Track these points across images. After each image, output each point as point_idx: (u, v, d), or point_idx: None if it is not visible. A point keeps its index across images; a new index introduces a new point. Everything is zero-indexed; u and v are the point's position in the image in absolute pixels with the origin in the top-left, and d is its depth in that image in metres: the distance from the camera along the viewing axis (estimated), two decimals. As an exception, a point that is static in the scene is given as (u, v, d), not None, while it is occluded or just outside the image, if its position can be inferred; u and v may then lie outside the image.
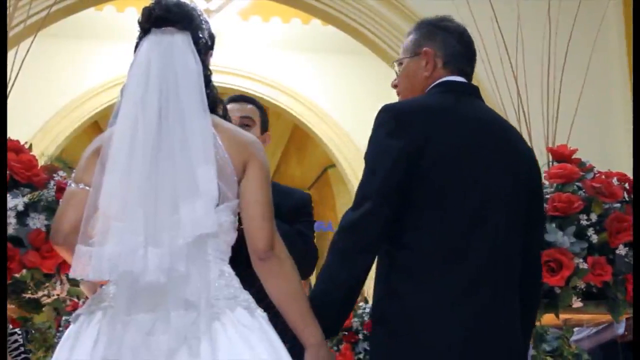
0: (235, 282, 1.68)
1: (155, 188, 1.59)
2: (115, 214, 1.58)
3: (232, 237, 1.71)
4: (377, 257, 1.83)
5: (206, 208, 1.59)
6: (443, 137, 1.78)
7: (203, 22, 1.77)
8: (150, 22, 1.73)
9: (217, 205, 1.66)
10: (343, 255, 1.76)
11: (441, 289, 1.72)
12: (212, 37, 1.80)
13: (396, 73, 2.00)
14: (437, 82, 1.90)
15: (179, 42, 1.71)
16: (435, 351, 1.70)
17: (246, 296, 1.67)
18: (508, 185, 1.83)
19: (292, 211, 2.34)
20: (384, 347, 1.76)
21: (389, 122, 1.80)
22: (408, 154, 1.75)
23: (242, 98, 2.54)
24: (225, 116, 1.79)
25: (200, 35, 1.75)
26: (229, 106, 2.46)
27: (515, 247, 1.83)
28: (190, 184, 1.60)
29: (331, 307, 1.76)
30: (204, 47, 1.76)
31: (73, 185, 1.71)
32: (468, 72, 1.95)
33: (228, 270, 1.69)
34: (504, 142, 1.87)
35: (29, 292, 2.12)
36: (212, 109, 1.75)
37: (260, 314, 1.66)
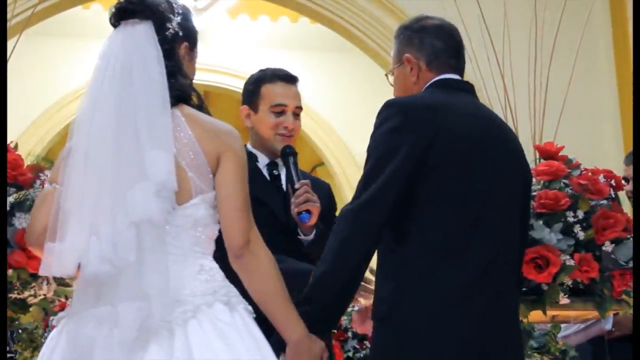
0: (219, 276, 1.65)
1: (109, 180, 1.57)
2: (72, 208, 1.58)
3: (214, 230, 1.69)
4: (380, 255, 1.83)
5: (146, 192, 1.55)
6: (450, 133, 1.78)
7: (175, 12, 1.75)
8: (116, 16, 1.72)
9: (191, 198, 1.64)
10: (344, 242, 1.75)
11: (447, 285, 1.73)
12: (186, 28, 1.77)
13: (391, 84, 2.01)
14: (431, 82, 1.91)
15: (139, 32, 1.69)
16: (444, 348, 1.71)
17: (227, 290, 1.63)
18: (509, 181, 1.85)
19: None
20: (390, 347, 1.74)
21: (396, 117, 1.80)
22: (417, 150, 1.75)
23: (292, 78, 2.36)
24: (202, 107, 1.76)
25: (168, 26, 1.73)
26: (277, 84, 2.30)
27: (516, 242, 1.86)
28: (138, 170, 1.57)
29: (331, 296, 1.76)
30: (173, 37, 1.73)
31: (47, 185, 1.73)
32: (455, 66, 1.94)
33: (210, 264, 1.66)
34: (502, 139, 1.89)
35: (16, 292, 2.11)
36: (185, 99, 1.72)
37: (244, 309, 1.63)
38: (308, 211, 2.16)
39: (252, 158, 2.30)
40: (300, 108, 2.35)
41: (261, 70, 2.38)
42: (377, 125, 1.82)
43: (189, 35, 1.79)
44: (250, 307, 1.66)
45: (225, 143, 1.68)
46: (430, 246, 1.75)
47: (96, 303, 1.54)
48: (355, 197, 1.79)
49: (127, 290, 1.53)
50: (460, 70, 1.96)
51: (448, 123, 1.79)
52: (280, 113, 2.31)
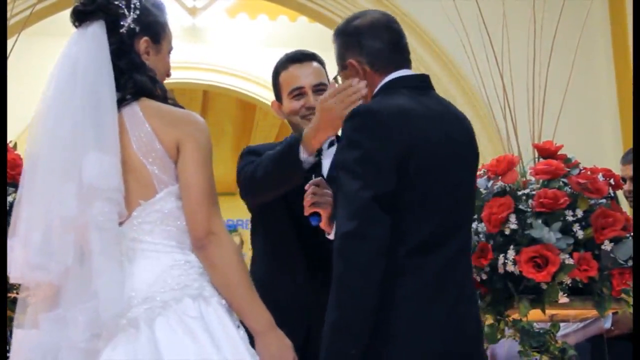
0: (193, 270, 1.63)
1: (47, 184, 1.58)
2: (20, 214, 1.61)
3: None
4: None
5: (67, 192, 1.54)
6: (424, 138, 1.77)
7: (132, 8, 1.74)
8: (74, 19, 1.73)
9: (157, 193, 1.63)
10: (360, 264, 1.66)
11: (421, 279, 1.73)
12: (145, 23, 1.76)
13: None
14: (382, 84, 1.87)
15: (89, 33, 1.70)
16: (430, 345, 1.71)
17: (200, 284, 1.61)
18: (469, 179, 1.89)
19: None
20: (379, 354, 1.70)
21: (369, 125, 1.75)
22: (397, 157, 1.73)
23: (305, 56, 2.28)
24: (165, 98, 1.73)
25: (122, 23, 1.72)
26: (290, 69, 2.24)
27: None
28: (76, 173, 1.56)
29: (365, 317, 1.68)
30: (129, 34, 1.73)
31: None
32: (400, 61, 1.90)
33: (185, 258, 1.64)
34: (464, 136, 1.90)
35: (14, 291, 2.11)
36: (146, 94, 1.70)
37: (217, 302, 1.61)
38: (318, 213, 2.03)
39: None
40: (321, 84, 2.24)
41: (278, 60, 2.32)
42: (350, 136, 1.76)
43: (150, 30, 1.77)
44: (223, 301, 1.63)
45: (183, 131, 1.65)
46: (405, 251, 1.72)
47: (51, 307, 1.54)
48: (353, 215, 1.67)
49: (77, 293, 1.53)
50: (406, 62, 1.91)
51: (421, 127, 1.78)
52: (299, 95, 2.25)
